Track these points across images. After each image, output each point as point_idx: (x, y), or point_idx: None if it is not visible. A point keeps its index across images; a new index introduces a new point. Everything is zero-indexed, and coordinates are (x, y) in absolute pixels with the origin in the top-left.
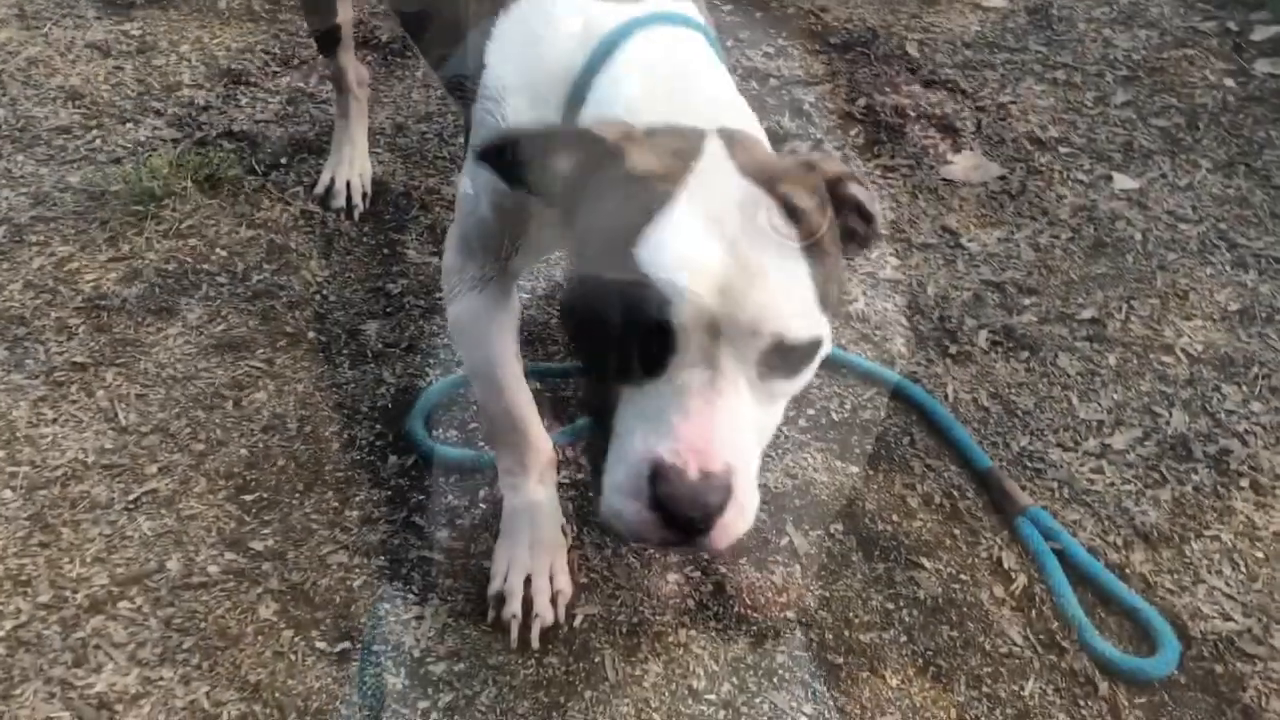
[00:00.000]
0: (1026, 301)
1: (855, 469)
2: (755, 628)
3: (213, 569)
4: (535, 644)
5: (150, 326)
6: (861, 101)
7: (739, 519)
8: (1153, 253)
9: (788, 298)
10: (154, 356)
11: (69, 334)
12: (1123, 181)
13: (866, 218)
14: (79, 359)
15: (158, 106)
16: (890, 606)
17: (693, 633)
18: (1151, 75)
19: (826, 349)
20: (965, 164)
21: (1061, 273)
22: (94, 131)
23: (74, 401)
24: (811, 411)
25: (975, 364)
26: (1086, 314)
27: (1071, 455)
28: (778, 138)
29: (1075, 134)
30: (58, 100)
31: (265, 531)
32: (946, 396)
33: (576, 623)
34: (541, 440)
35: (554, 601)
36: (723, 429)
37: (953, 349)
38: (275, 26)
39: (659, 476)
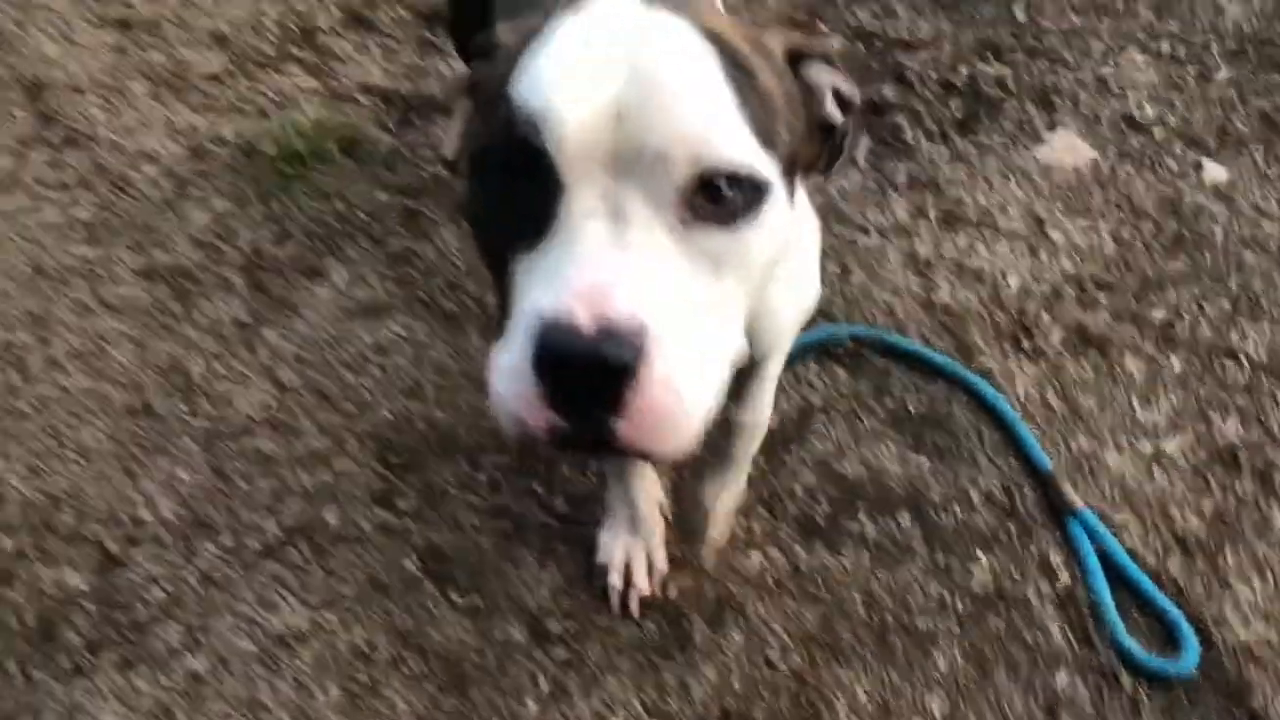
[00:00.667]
0: (1102, 298)
1: (926, 461)
2: (824, 607)
3: (364, 524)
4: (634, 611)
5: (302, 288)
6: (964, 70)
7: (665, 399)
8: (1231, 251)
9: (708, 118)
10: (306, 318)
11: (231, 291)
12: (1213, 171)
13: (844, 106)
14: (242, 317)
15: (298, 54)
16: (946, 595)
17: (770, 608)
18: (1260, 49)
19: (777, 203)
20: (1059, 145)
21: (1139, 270)
22: (241, 80)
23: (240, 358)
24: (891, 404)
25: (1047, 362)
26: (1158, 315)
27: (1126, 458)
28: (878, 108)
29: (1171, 114)
30: (206, 45)
31: (408, 491)
32: (1016, 394)
33: (671, 594)
34: None
35: (650, 574)
36: (630, 277)
37: (1026, 345)
38: None
39: (541, 335)
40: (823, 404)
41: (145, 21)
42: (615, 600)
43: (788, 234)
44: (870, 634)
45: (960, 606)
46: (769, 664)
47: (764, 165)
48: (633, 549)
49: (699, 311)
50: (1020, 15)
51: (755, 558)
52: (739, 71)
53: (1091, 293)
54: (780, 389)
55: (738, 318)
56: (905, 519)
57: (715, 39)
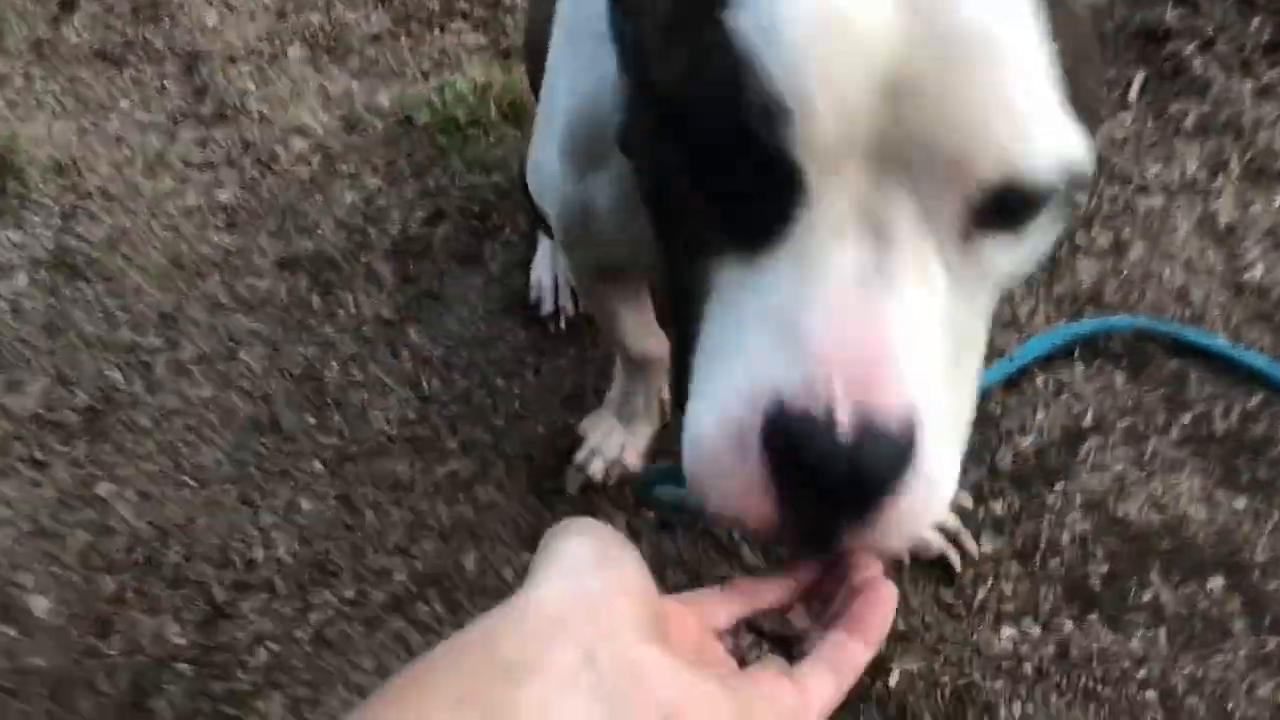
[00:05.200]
0: None
1: (1243, 502)
2: (1106, 708)
3: (508, 573)
4: (573, 491)
5: (454, 277)
6: None
7: (925, 503)
8: None
9: (1028, 97)
10: (456, 312)
11: (378, 283)
12: None
13: None
14: (385, 313)
15: (464, 8)
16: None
17: (1029, 707)
18: None
19: (1086, 177)
20: None
21: None
22: (403, 39)
23: (380, 362)
24: (1187, 419)
25: None
26: None
27: None
28: (1155, 32)
29: None
30: (369, 3)
31: None
32: None
33: (893, 681)
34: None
35: (609, 471)
36: (900, 338)
37: None
38: None
39: (784, 425)
40: (1095, 421)
41: None
42: (574, 484)
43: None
44: None
45: None
46: None
47: (1083, 150)
48: (604, 436)
49: (959, 355)
50: None
51: (1007, 634)
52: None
53: None
54: (1038, 397)
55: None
56: (1217, 584)
57: None
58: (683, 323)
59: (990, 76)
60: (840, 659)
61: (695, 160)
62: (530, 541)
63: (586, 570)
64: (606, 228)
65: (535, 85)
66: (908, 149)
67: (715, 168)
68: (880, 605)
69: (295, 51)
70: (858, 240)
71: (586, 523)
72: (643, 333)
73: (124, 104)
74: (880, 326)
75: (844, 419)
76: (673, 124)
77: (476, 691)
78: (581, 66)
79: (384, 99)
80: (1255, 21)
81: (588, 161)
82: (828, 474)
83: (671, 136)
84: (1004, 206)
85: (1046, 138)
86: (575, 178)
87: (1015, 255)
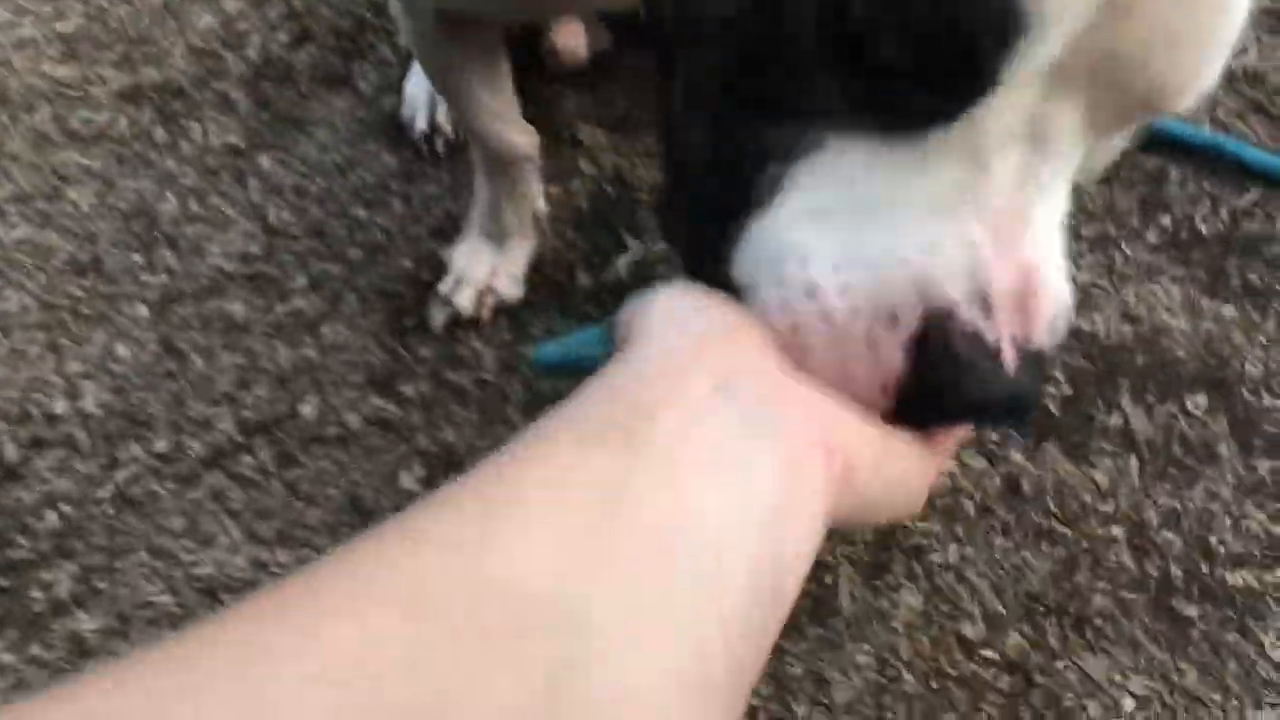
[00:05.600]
0: None
1: (1232, 310)
2: (1062, 547)
3: (352, 419)
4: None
5: (317, 99)
6: None
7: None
8: None
9: (1233, 30)
10: (316, 137)
11: (231, 111)
12: None
13: None
14: (234, 140)
15: None
16: (1278, 531)
17: (968, 550)
18: None
19: None
20: None
21: None
22: None
23: (224, 194)
24: (1167, 221)
25: None
26: None
27: None
28: None
29: None
30: None
31: (420, 371)
32: None
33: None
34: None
35: (480, 300)
36: (1047, 251)
37: None
38: None
39: (947, 333)
40: None
41: None
42: (439, 318)
43: None
44: (1140, 599)
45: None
46: (963, 645)
47: None
48: (473, 261)
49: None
50: None
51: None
52: None
53: None
54: None
55: None
56: (1199, 403)
57: None
58: (724, 173)
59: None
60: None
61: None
62: (384, 387)
63: (688, 319)
64: None
65: None
66: (1111, 67)
67: (884, 44)
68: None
69: None
70: (1022, 144)
71: (669, 289)
72: (504, 117)
73: None
74: (1034, 240)
75: (1009, 352)
76: None
77: (612, 421)
78: None
79: None
80: None
81: None
82: (980, 400)
83: None
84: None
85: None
86: None
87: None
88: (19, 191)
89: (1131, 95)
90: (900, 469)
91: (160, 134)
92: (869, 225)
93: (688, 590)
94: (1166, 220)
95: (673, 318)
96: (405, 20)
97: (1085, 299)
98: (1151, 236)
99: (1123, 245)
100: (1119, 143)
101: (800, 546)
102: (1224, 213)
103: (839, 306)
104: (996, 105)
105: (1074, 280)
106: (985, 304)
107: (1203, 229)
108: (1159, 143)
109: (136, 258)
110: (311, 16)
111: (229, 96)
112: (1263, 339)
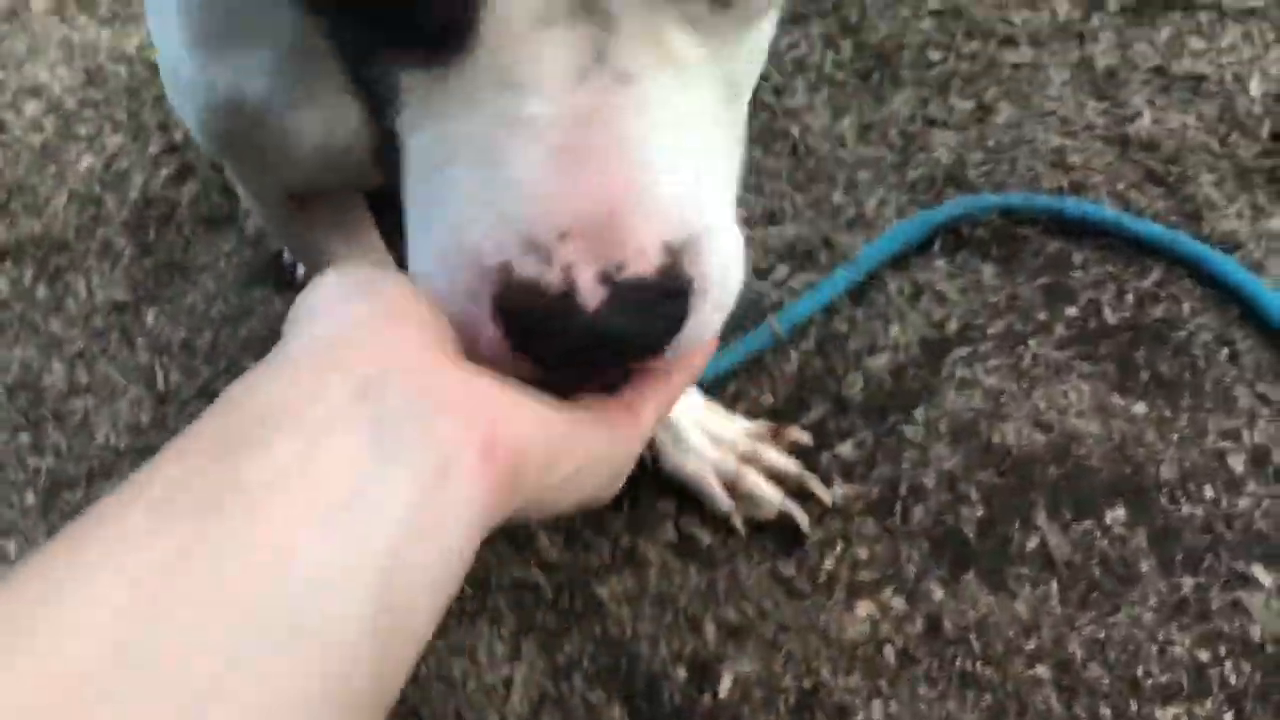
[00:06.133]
0: None
1: (1143, 408)
2: (989, 694)
3: None
4: None
5: (200, 243)
6: None
7: (713, 320)
8: None
9: None
10: (202, 286)
11: (113, 260)
12: None
13: None
14: (119, 295)
15: None
16: (1204, 657)
17: (892, 705)
18: None
19: None
20: None
21: None
22: None
23: (112, 357)
24: (1073, 311)
25: None
26: None
27: None
28: None
29: None
30: None
31: None
32: None
33: (723, 690)
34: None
35: None
36: (642, 148)
37: None
38: None
39: (514, 298)
40: (960, 327)
41: None
42: None
43: None
44: None
45: (1231, 674)
46: None
47: None
48: None
49: (720, 148)
50: None
51: (863, 612)
52: None
53: None
54: (891, 306)
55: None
56: (1117, 515)
57: None
58: (389, 173)
59: None
60: (659, 385)
61: None
62: None
63: (350, 300)
64: (279, 125)
65: None
66: None
67: None
68: (698, 351)
69: (38, 3)
70: (569, 24)
71: (339, 268)
72: (367, 260)
73: None
74: (615, 139)
75: (585, 284)
76: None
77: (200, 468)
78: None
79: (132, 45)
80: None
81: (228, 40)
82: (563, 345)
83: None
84: None
85: None
86: (217, 67)
87: (758, 18)
88: None
89: None
90: (586, 451)
91: (43, 293)
92: (436, 204)
93: (272, 658)
94: (1073, 310)
95: (334, 302)
96: (250, 200)
97: (995, 407)
98: (1059, 329)
99: (1029, 342)
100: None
101: (439, 571)
102: (1129, 298)
103: (437, 294)
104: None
105: (981, 385)
106: (538, 247)
107: (1109, 317)
108: (1062, 226)
109: (24, 438)
110: (193, 150)
111: (111, 244)
112: (1175, 436)
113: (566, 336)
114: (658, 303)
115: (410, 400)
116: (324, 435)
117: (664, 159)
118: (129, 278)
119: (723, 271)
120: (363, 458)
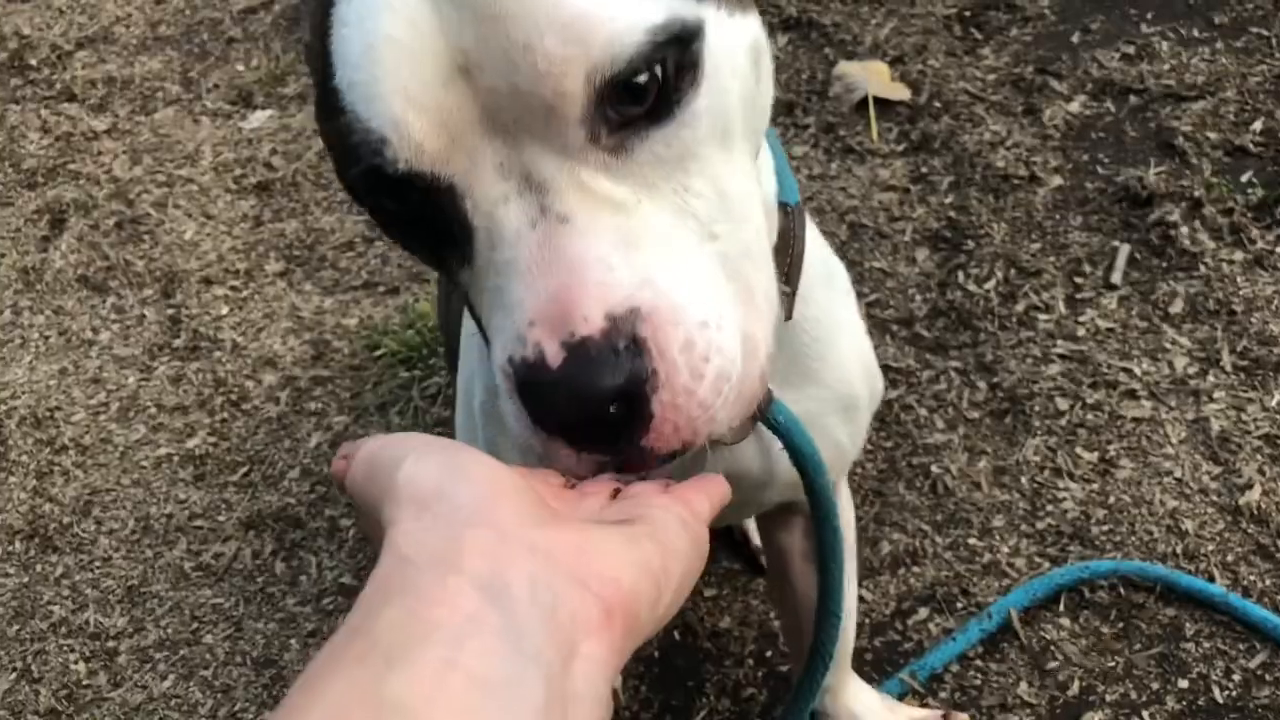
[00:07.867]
0: None
1: None
2: None
3: None
4: None
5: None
6: (1259, 125)
7: (704, 378)
8: None
9: (546, 8)
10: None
11: (339, 542)
12: None
13: None
14: (346, 579)
15: None
16: None
17: None
18: None
19: (717, 31)
20: None
21: None
22: (377, 244)
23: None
24: (1183, 684)
25: None
26: None
27: None
28: (1138, 197)
29: None
30: (344, 207)
31: None
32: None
33: None
34: None
35: None
36: (585, 259)
37: None
38: None
39: (521, 388)
40: (1082, 688)
41: (284, 182)
42: None
43: (743, 61)
44: None
45: None
46: None
47: (682, 3)
48: None
49: (692, 242)
50: None
51: None
52: None
53: None
54: (1018, 658)
55: (753, 212)
56: None
57: None
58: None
59: (517, 11)
60: (703, 484)
61: (382, 209)
62: None
63: (444, 489)
64: None
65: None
66: (498, 102)
67: (393, 205)
68: (714, 481)
69: (270, 265)
70: (518, 197)
71: (406, 440)
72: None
73: (104, 336)
74: (561, 259)
75: (551, 350)
76: (353, 191)
77: (356, 700)
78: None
79: (352, 321)
80: (1246, 175)
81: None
82: (558, 404)
83: (361, 199)
84: (625, 100)
85: (618, 19)
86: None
87: (685, 132)
88: (165, 637)
89: (530, 104)
90: (681, 569)
91: (280, 568)
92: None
93: None
94: (1184, 683)
95: (425, 495)
96: None
97: None
98: (1170, 701)
99: (1144, 713)
100: (705, 110)
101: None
102: (1236, 677)
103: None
104: (470, 188)
105: None
106: (525, 340)
107: (1217, 694)
108: (1173, 594)
109: (269, 716)
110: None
111: (338, 524)
112: None
113: (554, 396)
114: (608, 357)
115: (532, 591)
116: (462, 639)
117: (600, 264)
118: (353, 561)
119: (706, 347)
120: (500, 654)
